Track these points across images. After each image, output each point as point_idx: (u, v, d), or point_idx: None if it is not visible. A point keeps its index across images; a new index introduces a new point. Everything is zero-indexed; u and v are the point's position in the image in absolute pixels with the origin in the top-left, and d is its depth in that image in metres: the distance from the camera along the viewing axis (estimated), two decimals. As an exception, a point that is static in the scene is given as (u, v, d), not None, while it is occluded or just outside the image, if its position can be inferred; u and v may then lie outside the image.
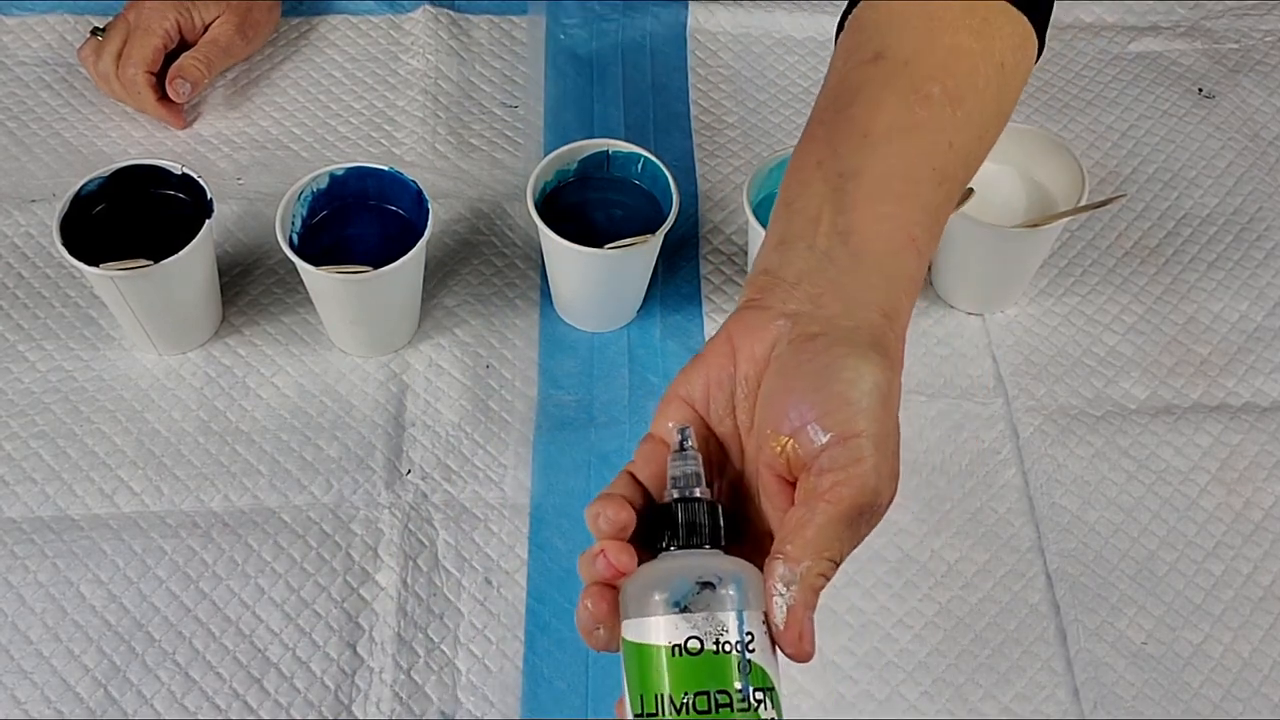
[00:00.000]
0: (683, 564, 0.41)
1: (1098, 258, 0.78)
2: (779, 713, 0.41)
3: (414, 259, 0.67)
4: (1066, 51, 0.89)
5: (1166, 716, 0.61)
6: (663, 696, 0.40)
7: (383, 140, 0.82)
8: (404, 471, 0.68)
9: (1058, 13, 0.92)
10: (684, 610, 0.40)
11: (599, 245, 0.67)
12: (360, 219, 0.70)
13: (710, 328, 0.74)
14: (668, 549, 0.42)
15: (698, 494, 0.43)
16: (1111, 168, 0.83)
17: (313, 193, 0.69)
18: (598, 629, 0.42)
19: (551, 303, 0.75)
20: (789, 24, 0.90)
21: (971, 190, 0.67)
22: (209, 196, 0.68)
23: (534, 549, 0.65)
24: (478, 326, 0.74)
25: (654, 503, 0.44)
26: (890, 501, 0.43)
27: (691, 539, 0.42)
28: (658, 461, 0.44)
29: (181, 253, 0.65)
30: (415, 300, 0.72)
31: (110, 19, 0.81)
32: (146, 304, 0.67)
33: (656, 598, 0.40)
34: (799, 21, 0.90)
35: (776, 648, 0.41)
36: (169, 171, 0.69)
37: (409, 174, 0.69)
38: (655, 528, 0.43)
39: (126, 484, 0.67)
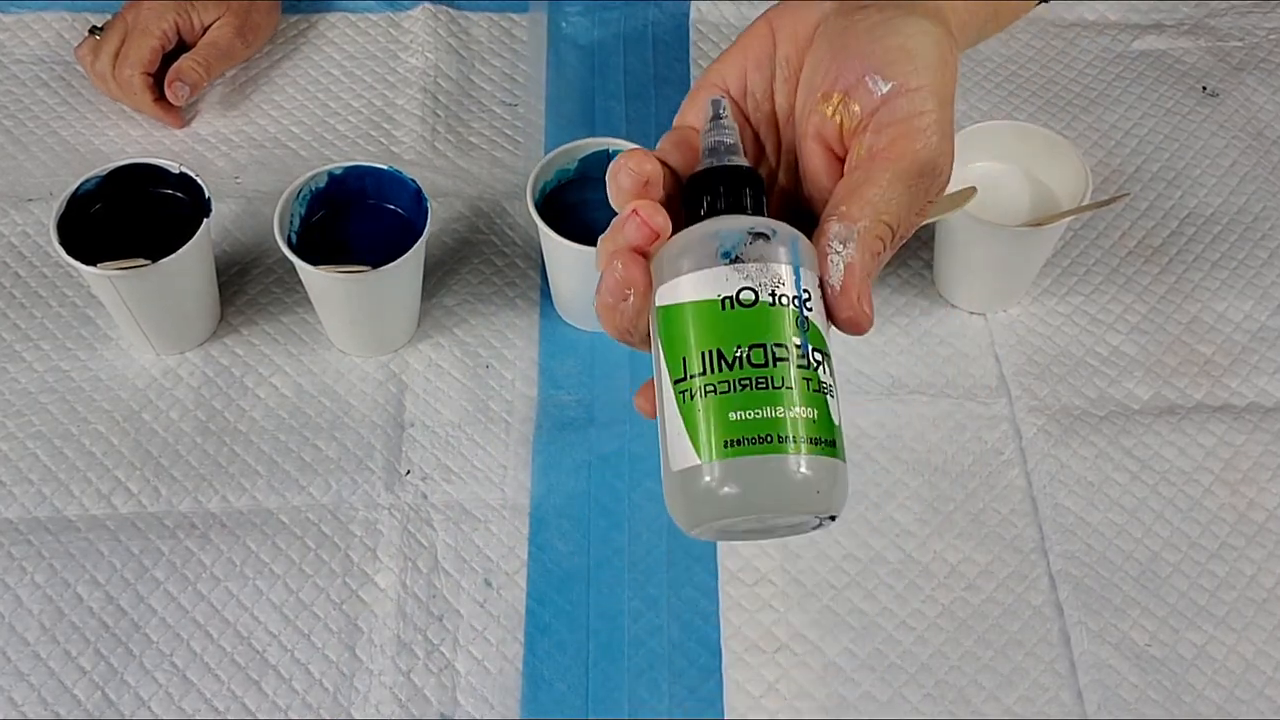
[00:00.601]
0: (729, 221, 0.37)
1: (1101, 257, 0.78)
2: (835, 384, 0.37)
3: (413, 258, 0.66)
4: (1070, 50, 0.89)
5: (1170, 718, 0.60)
6: (711, 353, 0.36)
7: (382, 139, 0.82)
8: (403, 472, 0.67)
9: (1060, 11, 0.92)
10: (735, 261, 0.36)
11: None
12: (359, 218, 0.70)
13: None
14: (707, 215, 0.38)
15: (737, 161, 0.39)
16: (1115, 166, 0.82)
17: (311, 191, 0.69)
18: (627, 296, 0.37)
19: (551, 303, 0.74)
20: (790, 21, 0.89)
21: (974, 189, 0.67)
22: (207, 195, 0.67)
23: (534, 550, 0.65)
24: (477, 326, 0.73)
25: (685, 179, 0.40)
26: (948, 176, 0.39)
27: (734, 204, 0.38)
28: (687, 148, 0.41)
29: (179, 252, 0.65)
30: (414, 300, 0.71)
31: (108, 17, 0.81)
32: (144, 304, 0.67)
33: (703, 251, 0.36)
34: (800, 19, 0.89)
35: (830, 320, 0.37)
36: (167, 170, 0.69)
37: (408, 173, 0.69)
38: (691, 198, 0.39)
39: (124, 485, 0.66)
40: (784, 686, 0.61)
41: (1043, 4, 0.58)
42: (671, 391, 0.37)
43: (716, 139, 0.40)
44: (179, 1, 0.80)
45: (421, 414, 0.70)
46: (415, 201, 0.68)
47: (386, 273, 0.65)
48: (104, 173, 0.68)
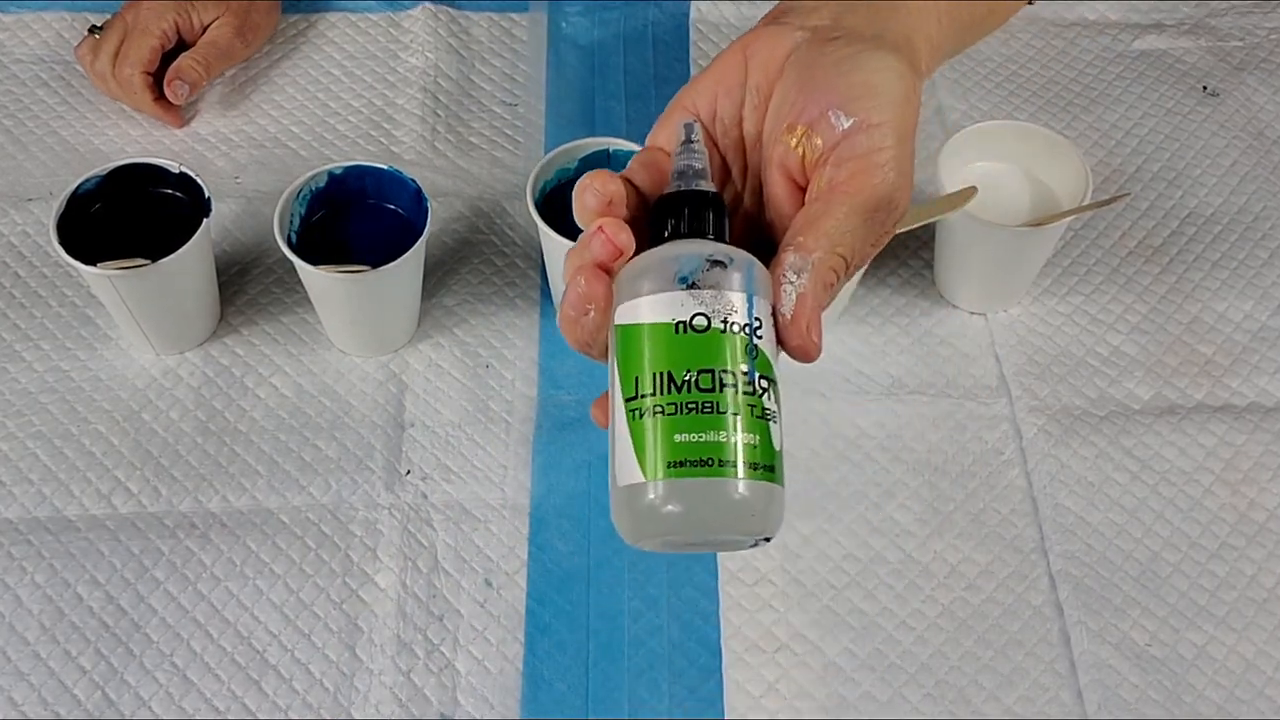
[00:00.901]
0: (689, 246, 0.39)
1: (1101, 257, 0.78)
2: (780, 410, 0.38)
3: (413, 258, 0.66)
4: (1070, 49, 0.89)
5: (1170, 718, 0.60)
6: (662, 375, 0.37)
7: (382, 139, 0.82)
8: (403, 472, 0.67)
9: (1061, 10, 0.92)
10: (691, 287, 0.38)
11: (599, 244, 0.67)
12: (359, 218, 0.70)
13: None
14: (669, 240, 0.40)
15: (704, 187, 0.40)
16: (1115, 166, 0.82)
17: (311, 191, 0.69)
18: (589, 311, 0.39)
19: (552, 302, 0.74)
20: (791, 21, 0.89)
21: (974, 189, 0.67)
22: (207, 195, 0.67)
23: (534, 550, 0.65)
24: (478, 326, 0.73)
25: (653, 200, 0.41)
26: (904, 209, 0.41)
27: (696, 228, 0.40)
28: (655, 169, 0.42)
29: (179, 252, 0.65)
30: (414, 300, 0.71)
31: (108, 17, 0.81)
32: (144, 304, 0.67)
33: (661, 274, 0.38)
34: (801, 18, 0.89)
35: (780, 347, 0.39)
36: (166, 170, 0.69)
37: (408, 172, 0.69)
38: (657, 220, 0.40)
39: (124, 485, 0.66)
40: (784, 686, 0.61)
41: (1030, 4, 0.59)
42: (623, 408, 0.38)
43: (686, 162, 0.41)
44: (179, 1, 0.80)
45: (421, 414, 0.70)
46: (415, 201, 0.68)
47: (386, 273, 0.65)
48: (104, 172, 0.68)
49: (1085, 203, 0.69)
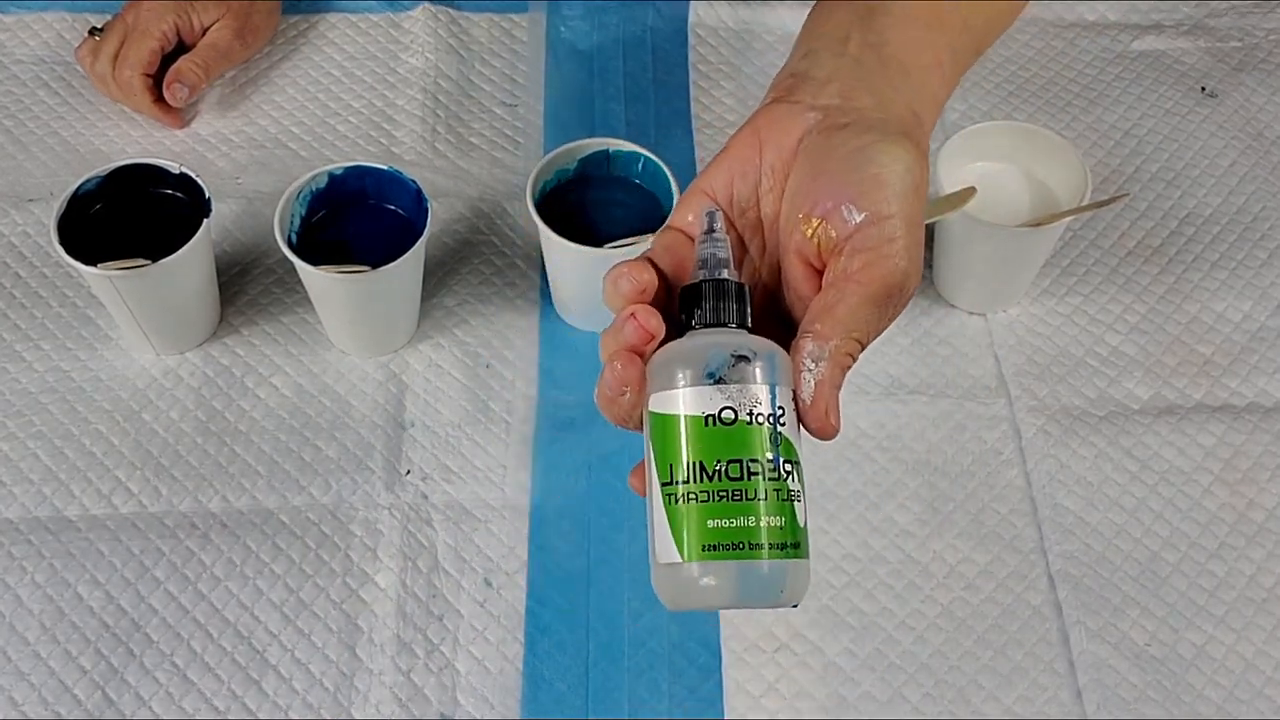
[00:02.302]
0: (714, 339, 0.42)
1: (1100, 257, 0.78)
2: (803, 487, 0.42)
3: (413, 258, 0.66)
4: (1070, 50, 0.89)
5: (1169, 718, 0.61)
6: (694, 464, 0.40)
7: (382, 139, 0.82)
8: (403, 472, 0.68)
9: (1060, 11, 0.92)
10: (719, 382, 0.41)
11: (599, 245, 0.67)
12: (359, 218, 0.70)
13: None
14: (695, 328, 0.43)
15: (726, 275, 0.43)
16: (1114, 166, 0.82)
17: (311, 192, 0.69)
18: (624, 394, 0.42)
19: (551, 303, 0.74)
20: (790, 20, 0.89)
21: (974, 189, 0.67)
22: (207, 196, 0.67)
23: (534, 550, 0.65)
24: (478, 326, 0.73)
25: (675, 287, 0.44)
26: (915, 289, 0.44)
27: (721, 318, 0.42)
28: (676, 251, 0.45)
29: (179, 252, 0.65)
30: (415, 300, 0.71)
31: (108, 18, 0.81)
32: (144, 304, 0.67)
33: (690, 369, 0.41)
34: (800, 18, 0.89)
35: (801, 426, 0.42)
36: (167, 171, 0.69)
37: (408, 173, 0.69)
38: (684, 307, 0.43)
39: (124, 485, 0.66)
40: (784, 686, 0.61)
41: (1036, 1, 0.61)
42: (660, 492, 0.41)
43: (710, 251, 0.44)
44: (179, 2, 0.80)
45: (421, 414, 0.70)
46: (415, 202, 0.68)
47: (386, 273, 0.65)
48: (104, 173, 0.69)
49: (1084, 203, 0.69)
